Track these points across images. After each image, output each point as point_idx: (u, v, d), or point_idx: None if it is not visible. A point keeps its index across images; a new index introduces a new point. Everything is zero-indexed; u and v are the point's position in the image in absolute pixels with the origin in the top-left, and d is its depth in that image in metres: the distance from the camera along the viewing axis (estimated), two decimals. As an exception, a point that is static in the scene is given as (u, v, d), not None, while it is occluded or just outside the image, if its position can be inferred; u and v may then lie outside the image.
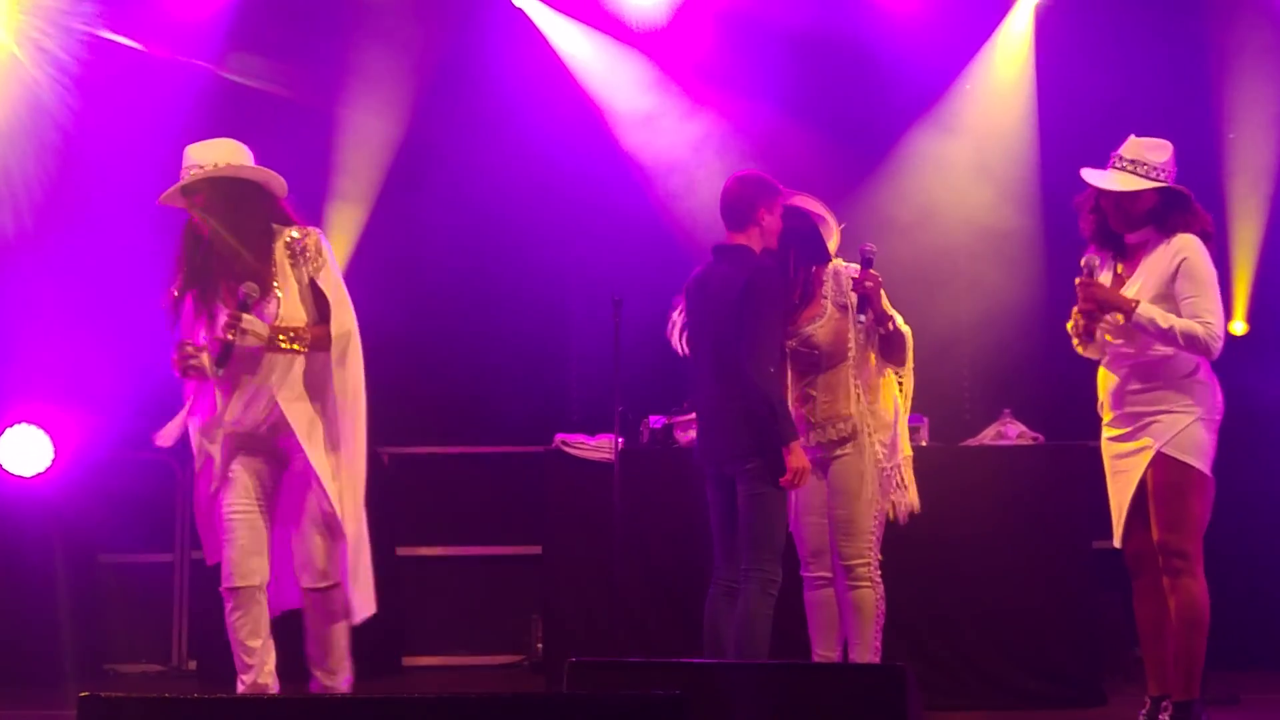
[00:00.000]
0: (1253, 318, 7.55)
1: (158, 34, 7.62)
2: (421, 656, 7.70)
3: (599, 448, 6.69)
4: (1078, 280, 5.12)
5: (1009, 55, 7.87)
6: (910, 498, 5.56)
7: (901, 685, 3.54)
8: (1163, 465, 5.09)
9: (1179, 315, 5.07)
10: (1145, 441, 5.13)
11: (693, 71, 7.89)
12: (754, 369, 5.19)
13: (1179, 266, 5.08)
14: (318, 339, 5.08)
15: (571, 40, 7.96)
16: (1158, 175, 5.15)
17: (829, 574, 5.53)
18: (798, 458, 5.20)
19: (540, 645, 7.14)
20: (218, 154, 5.07)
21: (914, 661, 5.89)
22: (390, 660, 7.56)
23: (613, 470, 6.22)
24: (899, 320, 5.52)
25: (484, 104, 7.84)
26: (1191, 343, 5.01)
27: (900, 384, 5.60)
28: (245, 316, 4.93)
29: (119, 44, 7.46)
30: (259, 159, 7.70)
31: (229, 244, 5.00)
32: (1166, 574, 5.09)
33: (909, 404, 5.64)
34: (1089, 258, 5.17)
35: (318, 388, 5.09)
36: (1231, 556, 6.93)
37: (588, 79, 7.97)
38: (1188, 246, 5.11)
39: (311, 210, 7.74)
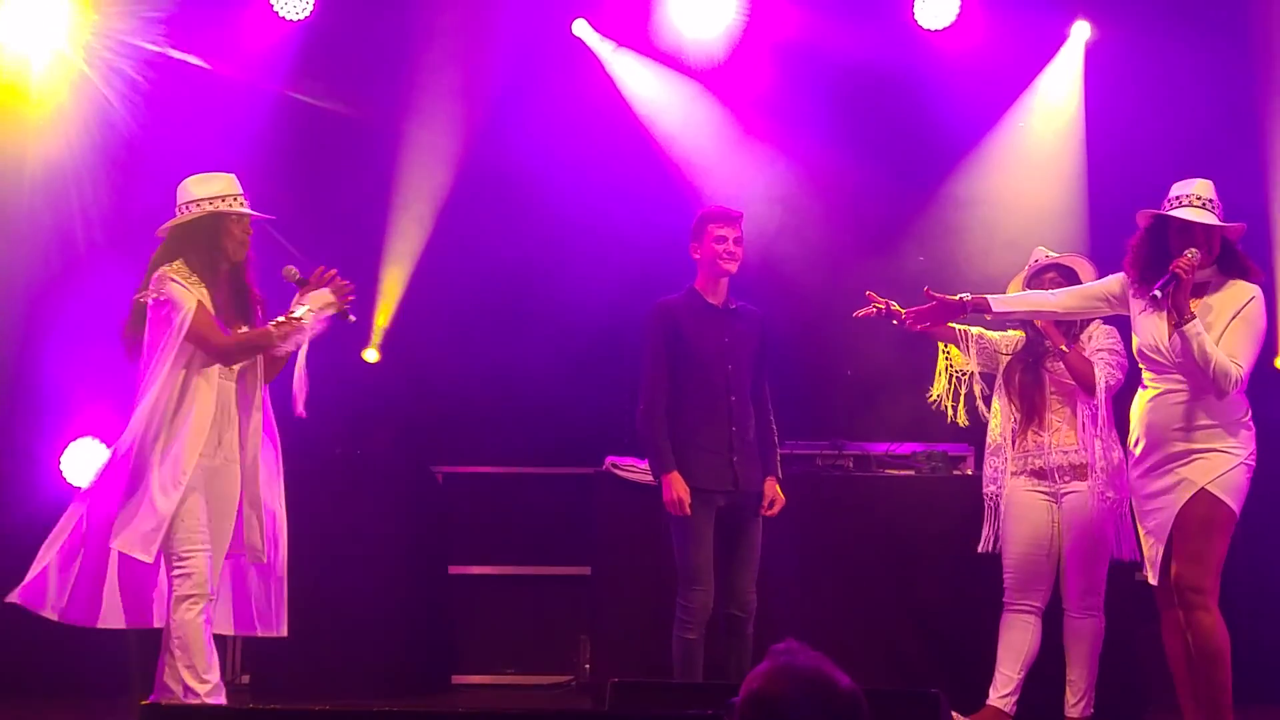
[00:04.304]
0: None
1: (225, 53, 7.80)
2: (471, 675, 7.75)
3: (648, 470, 6.76)
4: (1190, 251, 5.15)
5: (1058, 92, 7.91)
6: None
7: (935, 710, 3.60)
8: (1202, 501, 5.14)
9: None
10: (1182, 476, 5.18)
11: (748, 104, 7.98)
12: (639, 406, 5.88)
13: (1242, 309, 5.18)
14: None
15: (628, 70, 8.07)
16: (1222, 216, 5.23)
17: (1035, 603, 5.91)
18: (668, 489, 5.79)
19: (588, 666, 7.20)
20: None
21: (953, 688, 5.93)
22: (440, 678, 7.66)
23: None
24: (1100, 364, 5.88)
25: (541, 128, 7.95)
26: (1219, 377, 5.10)
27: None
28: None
29: (187, 63, 7.63)
30: (323, 176, 7.88)
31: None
32: (1182, 608, 5.16)
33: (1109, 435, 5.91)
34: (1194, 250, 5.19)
35: None
36: (1275, 591, 6.97)
37: (643, 107, 8.08)
38: (1258, 295, 5.24)
39: (373, 231, 7.93)
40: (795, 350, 7.12)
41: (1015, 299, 5.65)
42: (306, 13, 7.88)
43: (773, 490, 5.95)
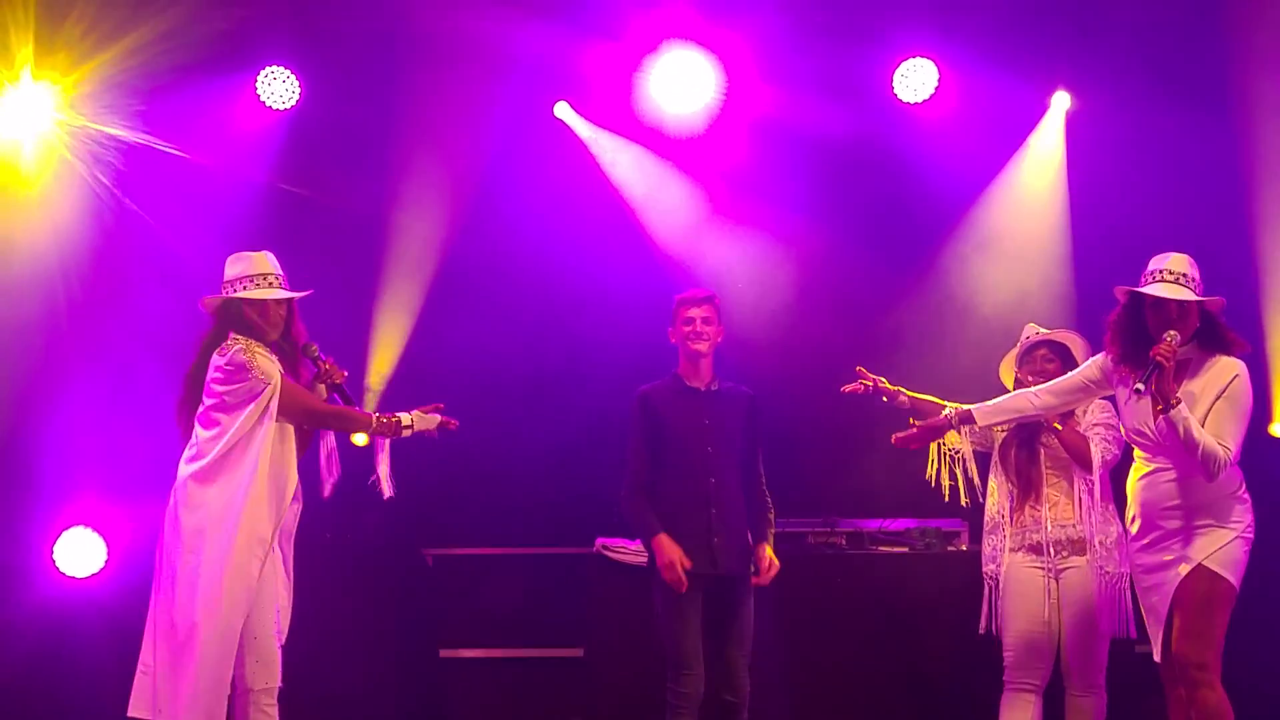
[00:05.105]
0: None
1: (213, 142, 7.84)
2: (464, 758, 7.73)
3: (639, 552, 6.73)
4: (1169, 334, 5.09)
5: (1040, 163, 7.95)
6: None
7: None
8: (1200, 577, 5.12)
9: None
10: (1180, 553, 5.16)
11: (729, 182, 8.03)
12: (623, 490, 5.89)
13: (1226, 388, 5.15)
14: None
15: (613, 152, 8.12)
16: (1201, 290, 5.22)
17: (1036, 681, 5.82)
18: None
19: (581, 749, 7.17)
20: None
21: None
22: (433, 762, 7.63)
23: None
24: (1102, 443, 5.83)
25: (526, 212, 8.00)
26: (1207, 460, 5.06)
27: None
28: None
29: (174, 152, 7.68)
30: (306, 264, 7.94)
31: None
32: (1184, 684, 5.12)
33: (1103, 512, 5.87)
34: (1173, 333, 5.14)
35: None
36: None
37: (629, 189, 8.12)
38: (1242, 371, 5.20)
39: (361, 315, 7.94)
40: (784, 427, 7.10)
41: (998, 408, 5.59)
42: (293, 102, 7.95)
43: (763, 553, 5.87)
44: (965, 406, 5.58)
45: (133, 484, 7.36)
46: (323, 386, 5.56)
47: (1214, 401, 5.14)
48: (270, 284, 5.37)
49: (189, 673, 5.04)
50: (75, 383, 7.56)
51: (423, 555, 7.88)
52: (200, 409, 5.30)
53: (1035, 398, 5.54)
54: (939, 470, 5.93)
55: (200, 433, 5.27)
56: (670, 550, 5.71)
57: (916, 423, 5.64)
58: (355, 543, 7.59)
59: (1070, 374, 5.58)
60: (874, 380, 5.81)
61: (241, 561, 5.12)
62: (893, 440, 5.64)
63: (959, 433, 5.85)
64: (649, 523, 5.79)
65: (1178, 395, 5.08)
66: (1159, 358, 5.06)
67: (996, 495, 5.99)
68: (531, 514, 7.93)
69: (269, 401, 5.22)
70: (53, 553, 7.55)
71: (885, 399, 5.81)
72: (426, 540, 7.91)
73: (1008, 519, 5.94)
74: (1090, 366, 5.48)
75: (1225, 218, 7.45)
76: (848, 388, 5.84)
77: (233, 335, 5.31)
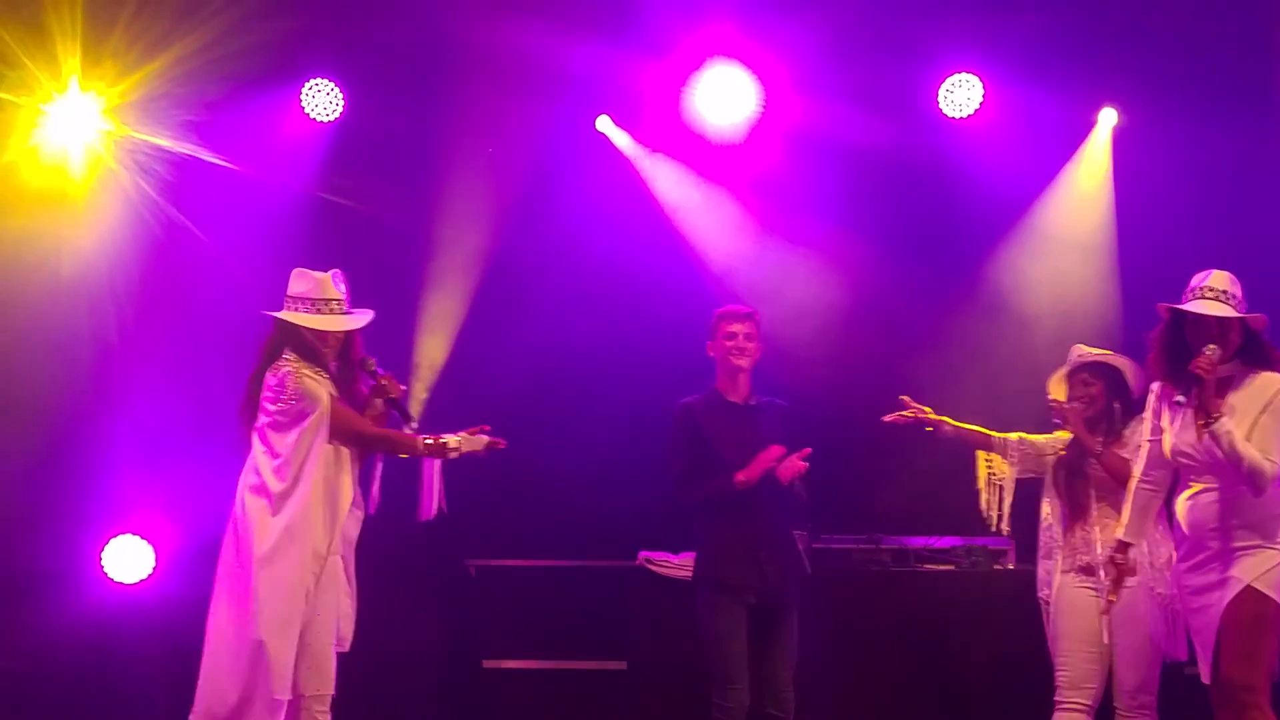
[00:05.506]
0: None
1: (258, 154, 7.89)
2: (505, 770, 7.74)
3: (682, 565, 6.75)
4: (1208, 348, 5.06)
5: (1087, 178, 7.93)
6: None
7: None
8: (1248, 599, 5.08)
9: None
10: (1227, 573, 5.12)
11: (773, 196, 8.02)
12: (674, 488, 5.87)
13: (1270, 402, 5.11)
14: None
15: (655, 167, 8.12)
16: (1243, 308, 5.19)
17: (1087, 701, 5.73)
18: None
19: (624, 761, 7.17)
20: None
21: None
22: (474, 774, 7.64)
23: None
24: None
25: (568, 222, 8.02)
26: (1253, 474, 5.02)
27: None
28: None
29: (216, 163, 7.73)
30: (350, 274, 7.98)
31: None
32: (1232, 707, 5.08)
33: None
34: (1213, 346, 5.10)
35: None
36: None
37: (671, 203, 8.13)
38: None
39: (404, 325, 7.97)
40: (828, 442, 7.10)
41: (1137, 519, 5.46)
42: (337, 114, 8.00)
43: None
44: (1118, 536, 5.48)
45: (181, 493, 7.44)
46: (379, 401, 5.60)
47: (1258, 416, 5.10)
48: (332, 310, 5.45)
49: (232, 679, 5.21)
50: (123, 391, 7.63)
51: (466, 566, 7.90)
52: (257, 423, 5.39)
53: (1147, 483, 5.43)
54: (986, 497, 5.92)
55: (257, 450, 5.37)
56: (752, 465, 5.73)
57: (1108, 580, 5.56)
58: (398, 552, 7.60)
59: (1145, 438, 5.46)
60: (916, 410, 5.80)
61: (298, 579, 5.23)
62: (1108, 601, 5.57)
63: (1009, 463, 5.85)
64: (716, 480, 5.81)
65: (1220, 410, 5.06)
66: (1198, 370, 5.05)
67: (1050, 519, 5.96)
68: (575, 526, 7.93)
69: (319, 424, 5.30)
70: (102, 559, 7.65)
71: (929, 429, 5.81)
72: (469, 551, 7.92)
73: (1060, 541, 5.91)
74: (1148, 417, 5.41)
75: (1275, 235, 7.40)
76: (889, 418, 5.86)
77: (287, 353, 5.38)
